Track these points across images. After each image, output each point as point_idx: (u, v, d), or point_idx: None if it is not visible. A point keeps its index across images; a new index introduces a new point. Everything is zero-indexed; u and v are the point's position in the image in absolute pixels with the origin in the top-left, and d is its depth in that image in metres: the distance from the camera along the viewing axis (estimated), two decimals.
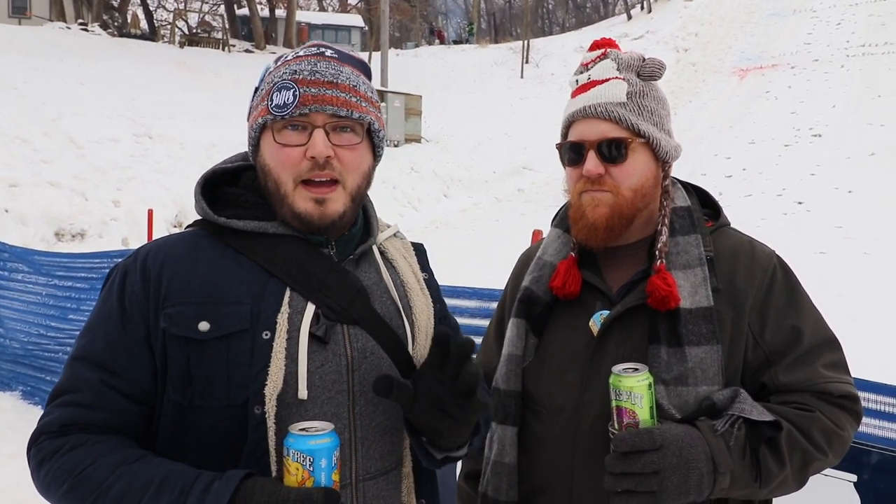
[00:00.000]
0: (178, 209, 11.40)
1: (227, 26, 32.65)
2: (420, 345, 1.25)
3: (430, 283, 1.37)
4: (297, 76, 1.15)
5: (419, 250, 1.41)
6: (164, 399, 1.13)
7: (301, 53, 1.21)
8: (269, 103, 1.16)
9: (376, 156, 1.26)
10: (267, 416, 1.08)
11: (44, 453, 1.08)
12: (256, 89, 1.23)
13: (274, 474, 1.07)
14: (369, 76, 1.26)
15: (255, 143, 1.21)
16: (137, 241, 9.86)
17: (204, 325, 1.10)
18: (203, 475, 1.03)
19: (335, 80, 1.16)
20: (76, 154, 12.03)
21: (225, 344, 1.10)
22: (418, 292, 1.30)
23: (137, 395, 1.12)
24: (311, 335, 1.13)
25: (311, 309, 1.15)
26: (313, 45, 1.23)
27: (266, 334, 1.11)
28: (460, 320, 3.37)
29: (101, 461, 1.05)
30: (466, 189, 16.90)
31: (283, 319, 1.12)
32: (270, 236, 1.19)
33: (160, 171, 12.53)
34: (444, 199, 16.05)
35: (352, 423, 1.16)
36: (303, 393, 1.11)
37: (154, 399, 1.14)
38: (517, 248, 1.66)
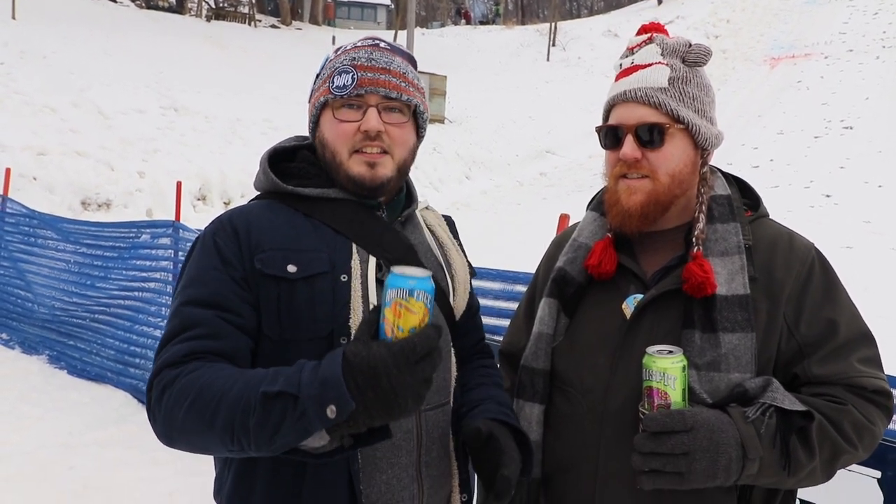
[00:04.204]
0: (201, 182, 11.48)
1: (253, 1, 32.61)
2: (459, 297, 1.45)
3: (461, 249, 1.55)
4: (355, 62, 1.34)
5: (449, 221, 1.61)
6: (260, 335, 1.27)
7: (359, 44, 1.41)
8: (331, 84, 1.34)
9: (419, 136, 1.45)
10: None
11: (166, 381, 1.16)
12: (318, 76, 1.41)
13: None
14: (416, 67, 1.45)
15: (316, 120, 1.40)
16: (162, 212, 9.98)
17: (292, 268, 1.26)
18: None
19: (388, 67, 1.35)
20: (103, 124, 12.15)
21: (310, 284, 1.26)
22: (456, 252, 1.49)
23: (246, 327, 1.25)
24: (377, 280, 1.30)
25: (373, 259, 1.33)
26: (369, 38, 1.42)
27: (343, 277, 1.28)
28: (484, 302, 3.37)
29: (222, 373, 1.14)
30: (488, 171, 16.84)
31: (355, 265, 1.30)
32: (332, 200, 1.37)
33: (185, 143, 12.62)
34: (465, 180, 16.02)
35: None
36: None
37: (257, 334, 1.26)
38: (538, 232, 1.68)
